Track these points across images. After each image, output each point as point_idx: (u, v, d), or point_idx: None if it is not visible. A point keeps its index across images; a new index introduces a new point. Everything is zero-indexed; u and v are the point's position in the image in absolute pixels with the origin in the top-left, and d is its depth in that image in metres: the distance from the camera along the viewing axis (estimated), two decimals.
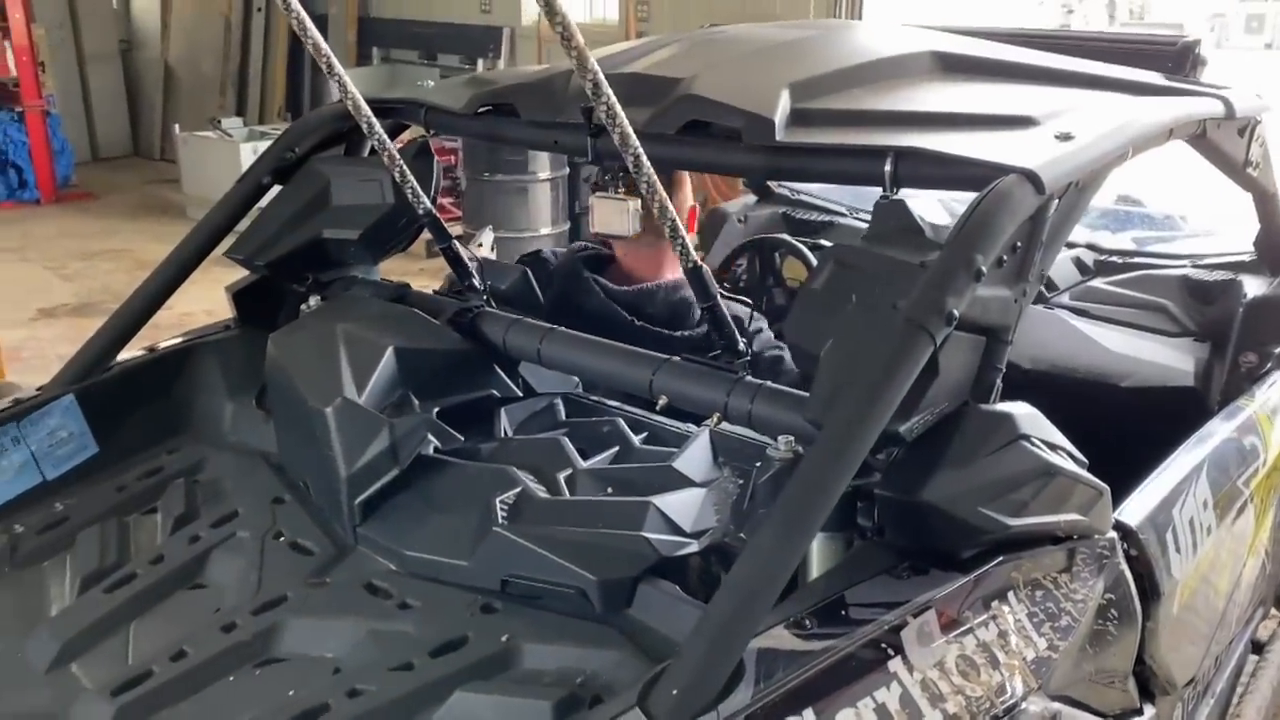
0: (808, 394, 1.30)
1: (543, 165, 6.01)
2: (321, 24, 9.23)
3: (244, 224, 2.08)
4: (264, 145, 7.55)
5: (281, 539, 1.58)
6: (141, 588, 1.49)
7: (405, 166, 1.78)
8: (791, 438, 1.32)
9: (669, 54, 1.79)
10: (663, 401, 1.57)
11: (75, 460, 1.79)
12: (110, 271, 6.70)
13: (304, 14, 1.59)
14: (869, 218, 2.92)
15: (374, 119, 1.73)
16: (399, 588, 1.44)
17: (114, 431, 1.83)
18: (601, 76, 1.22)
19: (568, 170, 6.21)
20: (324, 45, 1.63)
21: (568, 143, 1.72)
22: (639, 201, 1.65)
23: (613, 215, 1.66)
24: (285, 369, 1.68)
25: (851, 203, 3.05)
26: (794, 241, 2.65)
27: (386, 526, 1.54)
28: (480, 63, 7.86)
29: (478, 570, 1.42)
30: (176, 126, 8.33)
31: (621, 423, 1.76)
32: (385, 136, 1.75)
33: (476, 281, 1.93)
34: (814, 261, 2.49)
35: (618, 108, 1.26)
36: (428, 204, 1.86)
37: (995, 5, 7.02)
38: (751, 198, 3.05)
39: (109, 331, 1.88)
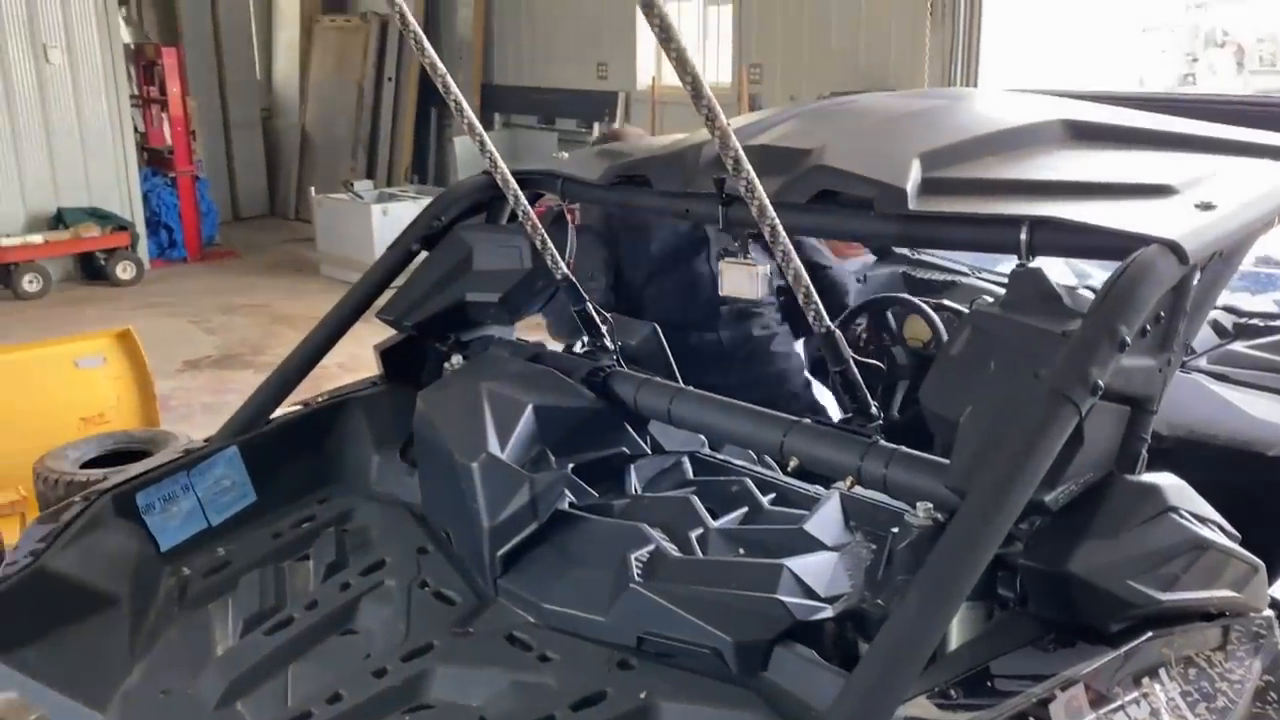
0: (945, 460, 1.32)
1: None
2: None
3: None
4: (392, 206, 7.96)
5: (426, 588, 1.65)
6: (298, 632, 1.58)
7: (545, 234, 1.88)
8: (930, 504, 1.33)
9: (796, 125, 1.85)
10: (794, 464, 1.59)
11: (236, 507, 1.91)
12: (249, 325, 7.07)
13: (461, 98, 1.70)
14: (991, 278, 2.93)
15: (518, 189, 1.83)
16: (538, 640, 1.49)
17: (271, 481, 1.95)
18: (742, 153, 1.28)
19: None
20: (477, 124, 1.73)
21: (700, 212, 1.79)
22: (768, 267, 1.69)
23: (743, 280, 1.71)
24: (433, 424, 1.77)
25: (973, 262, 3.03)
26: (916, 301, 2.65)
27: (526, 579, 1.60)
28: (596, 126, 8.08)
29: (614, 626, 1.46)
30: (312, 189, 8.79)
31: (750, 483, 1.79)
32: (528, 205, 1.85)
33: (608, 341, 2.01)
34: (937, 321, 2.49)
35: (756, 182, 1.31)
36: (565, 269, 1.94)
37: (1112, 57, 6.87)
38: (870, 256, 3.07)
39: (270, 387, 2.01)
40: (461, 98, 1.72)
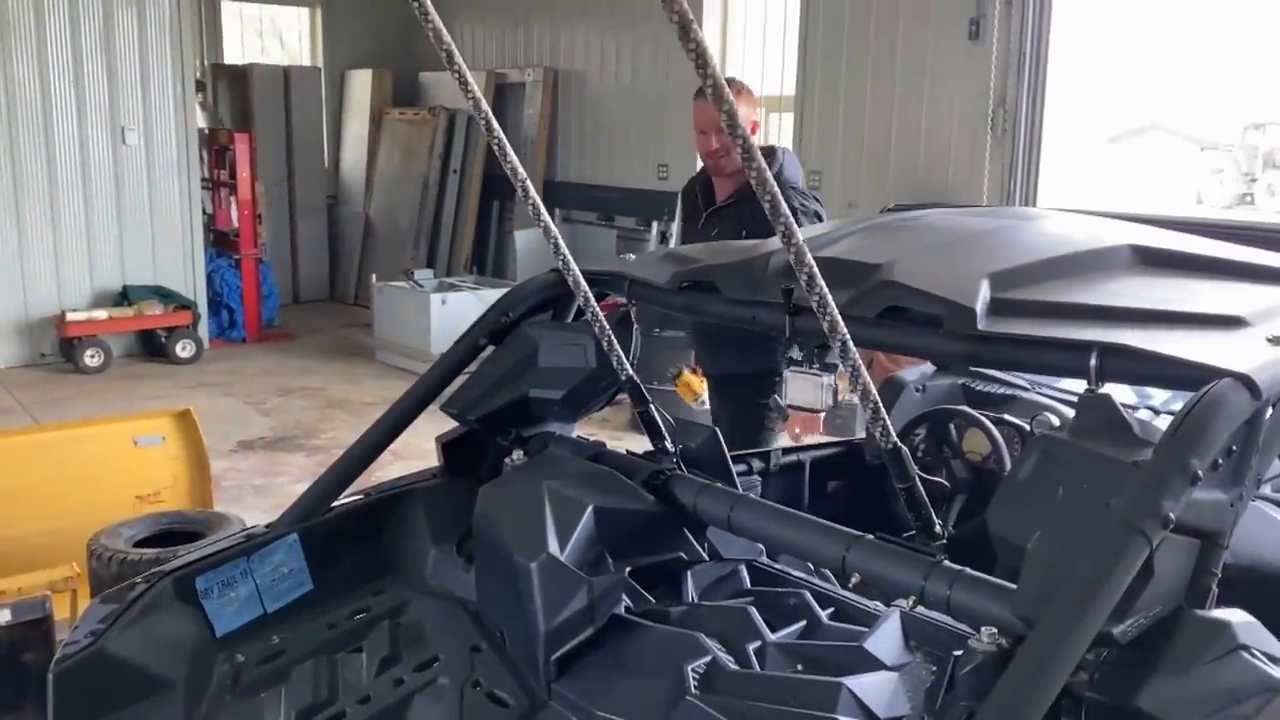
0: (1010, 584, 1.30)
1: None
2: (510, 185, 9.91)
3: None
4: (451, 296, 8.13)
5: (479, 688, 1.65)
6: None
7: (612, 334, 1.91)
8: (994, 629, 1.31)
9: (863, 239, 1.88)
10: (855, 580, 1.58)
11: (292, 595, 1.92)
12: (304, 408, 7.19)
13: (538, 199, 1.76)
14: (1051, 393, 2.90)
15: (588, 289, 1.87)
16: None
17: (328, 570, 1.96)
18: (816, 271, 1.31)
19: None
20: (552, 226, 1.79)
21: (766, 320, 1.81)
22: (833, 377, 1.71)
23: (807, 390, 1.73)
24: (493, 521, 1.78)
25: (1033, 376, 3.01)
26: (975, 414, 2.63)
27: (580, 684, 1.58)
28: (655, 224, 8.24)
29: None
30: (373, 275, 9.00)
31: (809, 595, 1.77)
32: (596, 305, 1.89)
33: (669, 444, 2.02)
34: (998, 437, 2.47)
35: (829, 299, 1.34)
36: (630, 370, 1.97)
37: (1170, 175, 6.92)
38: (929, 366, 3.07)
39: (332, 475, 2.04)
40: (538, 199, 1.78)
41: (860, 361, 1.39)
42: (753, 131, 3.49)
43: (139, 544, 3.36)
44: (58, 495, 3.72)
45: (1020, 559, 1.26)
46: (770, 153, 3.42)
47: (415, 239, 10.29)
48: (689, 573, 1.87)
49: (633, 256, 2.66)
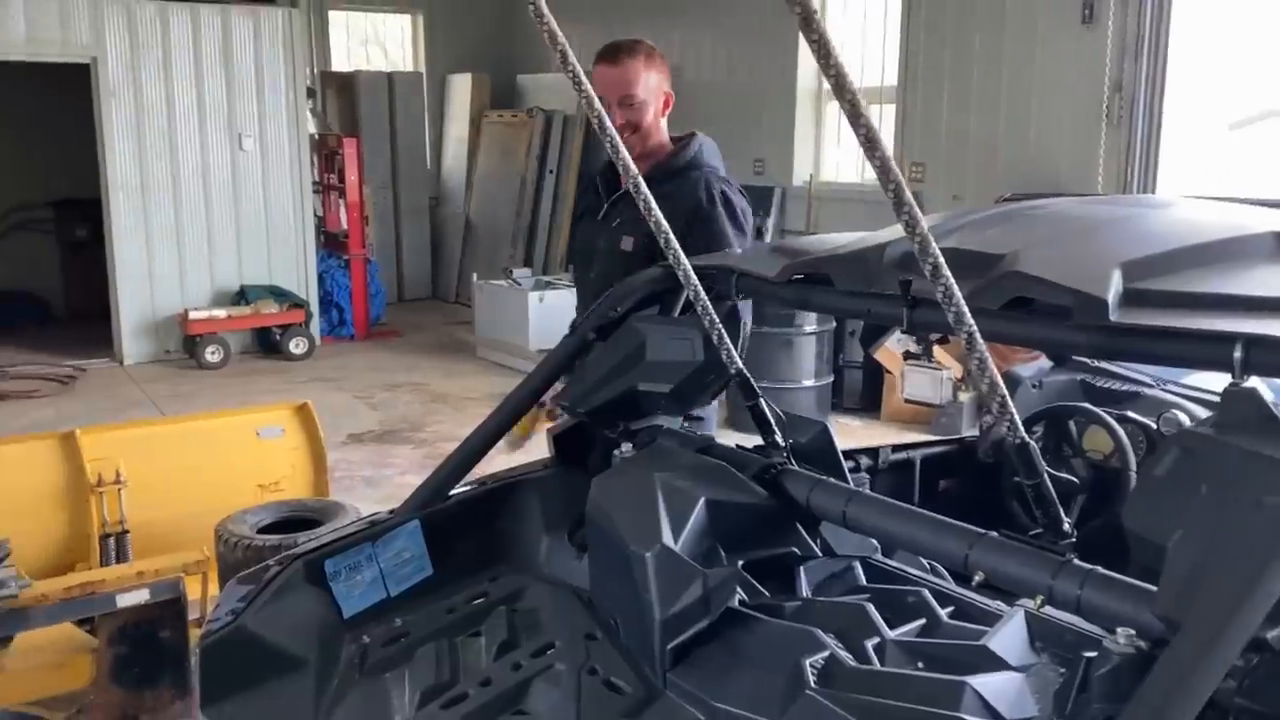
0: (1147, 585, 1.26)
1: (809, 318, 6.12)
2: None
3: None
4: (549, 294, 8.24)
5: (596, 675, 1.66)
6: (472, 708, 1.61)
7: (722, 328, 1.91)
8: (1133, 631, 1.27)
9: (984, 229, 1.83)
10: (979, 578, 1.55)
11: (413, 580, 1.97)
12: (409, 403, 7.38)
13: (649, 195, 1.77)
14: (1178, 390, 2.79)
15: (698, 282, 1.88)
16: None
17: (447, 556, 2.01)
18: (942, 260, 1.28)
19: (834, 323, 6.29)
20: (663, 221, 1.80)
21: (882, 313, 1.78)
22: (952, 371, 1.67)
23: (926, 384, 1.69)
24: (607, 512, 1.79)
25: (1157, 373, 2.91)
26: (1097, 411, 2.55)
27: (695, 675, 1.59)
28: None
29: None
30: (474, 274, 9.19)
31: (927, 593, 1.74)
32: (706, 299, 1.89)
33: (779, 438, 2.01)
34: (1122, 435, 2.39)
35: (955, 289, 1.31)
36: (739, 363, 1.97)
37: None
38: (1045, 362, 2.98)
39: (451, 464, 2.09)
40: (649, 194, 1.79)
41: (988, 355, 1.36)
42: (666, 105, 2.85)
43: (262, 530, 3.50)
44: (188, 483, 3.90)
45: (1159, 558, 1.21)
46: (689, 138, 2.93)
47: (513, 238, 10.45)
48: (801, 568, 1.85)
49: (739, 250, 2.66)
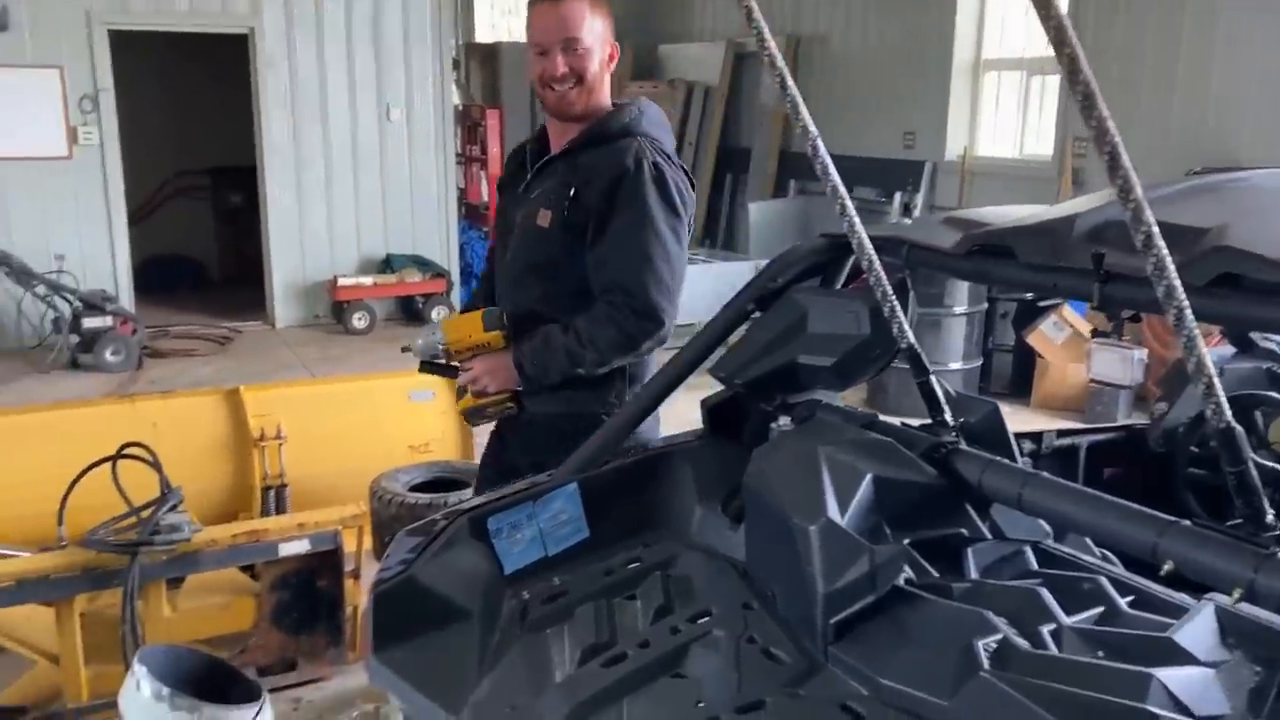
0: None
1: (959, 299, 5.93)
2: (745, 157, 9.91)
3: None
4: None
5: (754, 644, 1.65)
6: (632, 668, 1.63)
7: (896, 300, 1.86)
8: None
9: (1180, 202, 1.73)
10: (1168, 567, 1.47)
11: (570, 541, 2.00)
12: None
13: (828, 159, 1.73)
14: None
15: (874, 253, 1.83)
16: (873, 713, 1.45)
17: (602, 520, 2.03)
18: (1156, 230, 1.21)
19: (985, 305, 6.08)
20: (841, 187, 1.76)
21: (1069, 287, 1.71)
22: (1145, 351, 1.58)
23: (1115, 364, 1.61)
24: (769, 484, 1.78)
25: None
26: None
27: (859, 650, 1.56)
28: (898, 196, 7.99)
29: (959, 712, 1.39)
30: None
31: (1105, 581, 1.66)
32: (881, 270, 1.84)
33: (948, 416, 1.95)
34: None
35: (1168, 261, 1.24)
36: (911, 338, 1.91)
37: None
38: (1228, 348, 2.81)
39: (607, 432, 2.11)
40: (828, 159, 1.75)
41: (1197, 331, 1.28)
42: (611, 59, 2.42)
43: (413, 489, 3.62)
44: (345, 441, 4.07)
45: None
46: (629, 103, 2.48)
47: None
48: (969, 550, 1.80)
49: (904, 220, 2.58)
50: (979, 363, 6.21)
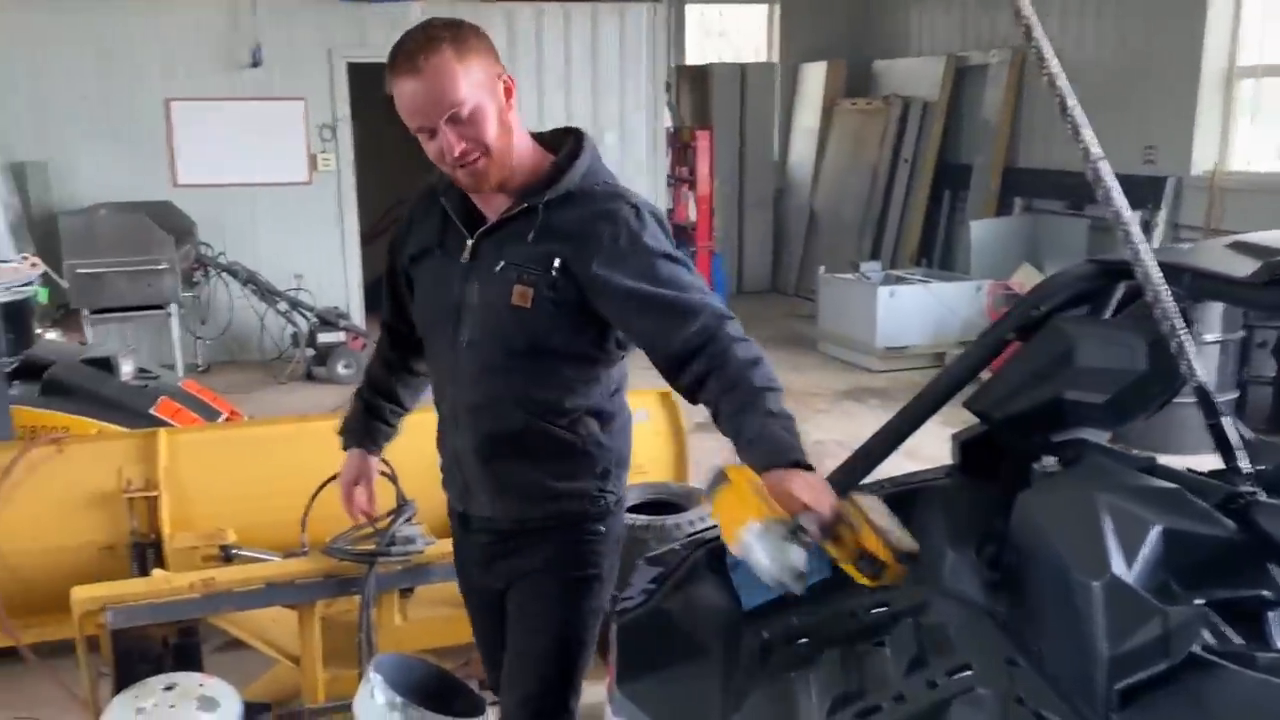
0: None
1: (1210, 325, 5.42)
2: (965, 174, 9.51)
3: None
4: (900, 289, 7.95)
5: (1023, 705, 1.52)
6: None
7: (1185, 335, 1.68)
8: None
9: None
10: None
11: (812, 580, 1.91)
12: None
13: (1113, 182, 1.58)
14: None
15: (1160, 281, 1.66)
16: None
17: None
18: None
19: (1241, 333, 5.55)
20: (1126, 209, 1.60)
21: None
22: None
23: None
24: (1042, 532, 1.64)
25: None
26: None
27: None
28: (1138, 214, 7.43)
29: None
30: (820, 267, 9.07)
31: None
32: (1170, 300, 1.67)
33: (1244, 463, 1.74)
34: None
35: None
36: (1199, 376, 1.73)
37: None
38: None
39: (851, 465, 2.01)
40: (1113, 182, 1.60)
41: None
42: (508, 93, 1.93)
43: (629, 510, 3.62)
44: None
45: None
46: (571, 142, 2.01)
47: (860, 230, 10.22)
48: (1271, 615, 1.59)
49: (1186, 245, 2.36)
50: (1234, 395, 5.67)
